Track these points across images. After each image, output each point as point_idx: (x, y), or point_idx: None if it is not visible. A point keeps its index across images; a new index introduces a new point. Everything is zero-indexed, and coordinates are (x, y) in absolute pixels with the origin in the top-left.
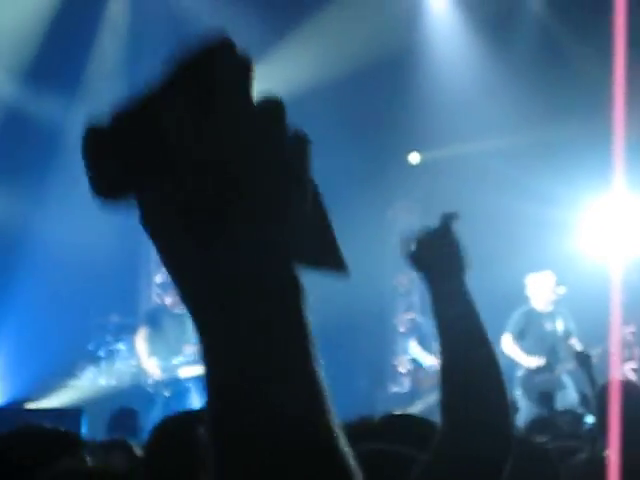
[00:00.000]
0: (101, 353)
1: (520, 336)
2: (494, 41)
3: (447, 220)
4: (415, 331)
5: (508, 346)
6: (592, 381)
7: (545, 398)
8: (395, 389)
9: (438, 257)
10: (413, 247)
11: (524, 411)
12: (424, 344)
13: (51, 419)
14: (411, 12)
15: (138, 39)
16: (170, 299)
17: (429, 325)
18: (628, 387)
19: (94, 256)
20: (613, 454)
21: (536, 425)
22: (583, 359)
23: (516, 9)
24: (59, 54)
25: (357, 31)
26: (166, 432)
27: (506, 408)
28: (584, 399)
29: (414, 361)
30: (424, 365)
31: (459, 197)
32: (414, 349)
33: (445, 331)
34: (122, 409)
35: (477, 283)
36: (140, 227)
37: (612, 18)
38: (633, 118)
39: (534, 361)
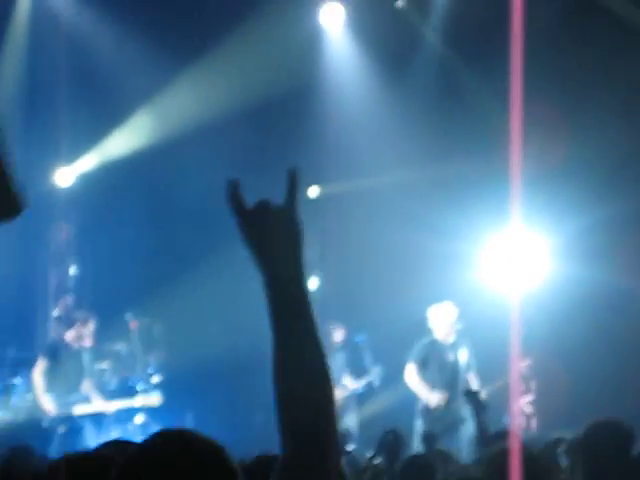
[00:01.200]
0: None
1: (423, 366)
2: (394, 76)
3: (293, 181)
4: None
5: (411, 377)
6: (480, 422)
7: (426, 438)
8: None
9: (280, 228)
10: (241, 196)
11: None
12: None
13: None
14: (311, 48)
15: (35, 54)
16: (70, 334)
17: (332, 358)
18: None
19: None
20: None
21: (407, 463)
22: (472, 398)
23: (416, 45)
24: None
25: (255, 67)
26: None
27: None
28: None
29: None
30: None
31: (359, 230)
32: None
33: (281, 337)
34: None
35: (379, 315)
36: (37, 259)
37: (509, 56)
38: (529, 155)
39: (434, 400)
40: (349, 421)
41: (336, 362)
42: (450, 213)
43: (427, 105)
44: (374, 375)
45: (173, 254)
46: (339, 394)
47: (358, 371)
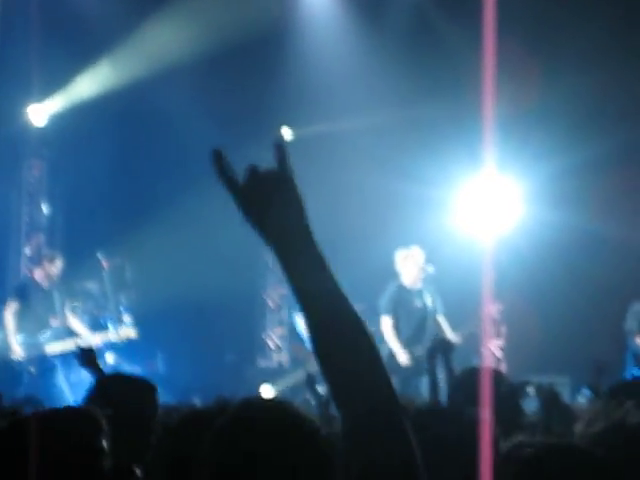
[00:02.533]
0: None
1: (393, 313)
2: (366, 19)
3: (281, 151)
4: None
5: (387, 331)
6: (449, 369)
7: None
8: (264, 364)
9: (278, 198)
10: (229, 168)
11: None
12: None
13: None
14: None
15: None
16: (39, 273)
17: None
18: (496, 375)
19: None
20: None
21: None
22: (442, 345)
23: None
24: None
25: (228, 9)
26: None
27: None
28: (434, 385)
29: (296, 335)
30: (302, 338)
31: (330, 173)
32: (298, 320)
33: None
34: None
35: (349, 259)
36: (9, 197)
37: None
38: (502, 98)
39: (403, 359)
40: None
41: None
42: (422, 157)
43: (399, 47)
44: None
45: (146, 194)
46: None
47: None
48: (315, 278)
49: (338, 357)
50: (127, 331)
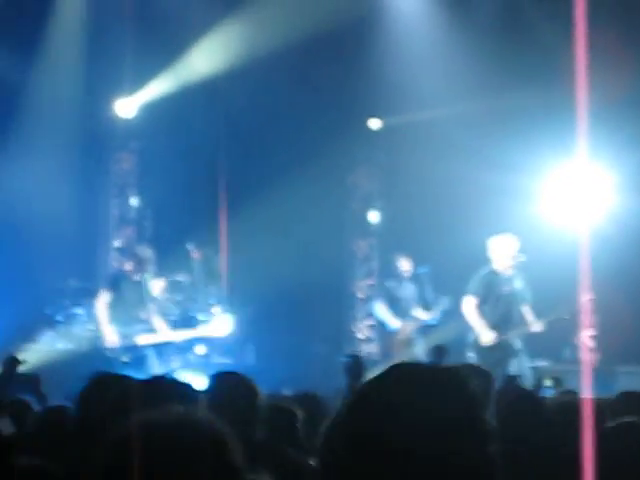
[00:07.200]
0: (59, 317)
1: (481, 297)
2: (454, 6)
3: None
4: (381, 296)
5: (470, 310)
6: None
7: (437, 351)
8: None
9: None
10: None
11: None
12: (395, 308)
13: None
14: None
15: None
16: (130, 265)
17: (400, 289)
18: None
19: (51, 219)
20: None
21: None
22: (439, 352)
23: None
24: (18, 16)
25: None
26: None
27: None
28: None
29: (380, 324)
30: (389, 328)
31: (420, 163)
32: (380, 311)
33: None
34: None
35: (439, 248)
36: (99, 189)
37: None
38: (594, 86)
39: (486, 337)
40: (418, 352)
41: (406, 292)
42: (511, 146)
43: (489, 35)
44: (443, 307)
45: (234, 185)
46: (409, 326)
47: (421, 302)
48: None
49: None
50: (216, 329)
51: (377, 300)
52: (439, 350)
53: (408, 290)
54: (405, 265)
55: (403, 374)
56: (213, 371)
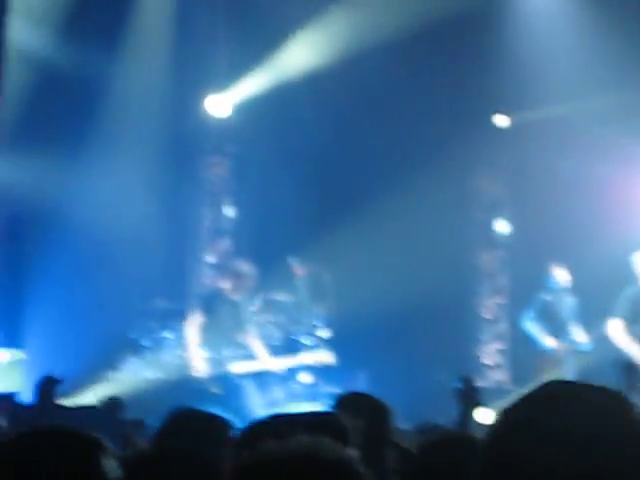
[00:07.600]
0: (145, 342)
1: (630, 319)
2: None
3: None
4: (533, 310)
5: (618, 334)
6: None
7: (629, 369)
8: (479, 384)
9: None
10: None
11: None
12: (549, 324)
13: (83, 417)
14: None
15: None
16: (228, 283)
17: (558, 303)
18: None
19: (135, 232)
20: None
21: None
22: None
23: None
24: (99, 9)
25: None
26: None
27: None
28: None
29: (532, 342)
30: (541, 347)
31: (553, 165)
32: (532, 328)
33: None
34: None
35: (578, 259)
36: (189, 198)
37: None
38: None
39: None
40: (568, 374)
41: (565, 306)
42: None
43: (624, 26)
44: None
45: (343, 192)
46: (564, 347)
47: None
48: None
49: None
50: (323, 355)
51: (528, 314)
52: (630, 368)
53: (567, 304)
54: (562, 275)
55: (560, 393)
56: (322, 401)
